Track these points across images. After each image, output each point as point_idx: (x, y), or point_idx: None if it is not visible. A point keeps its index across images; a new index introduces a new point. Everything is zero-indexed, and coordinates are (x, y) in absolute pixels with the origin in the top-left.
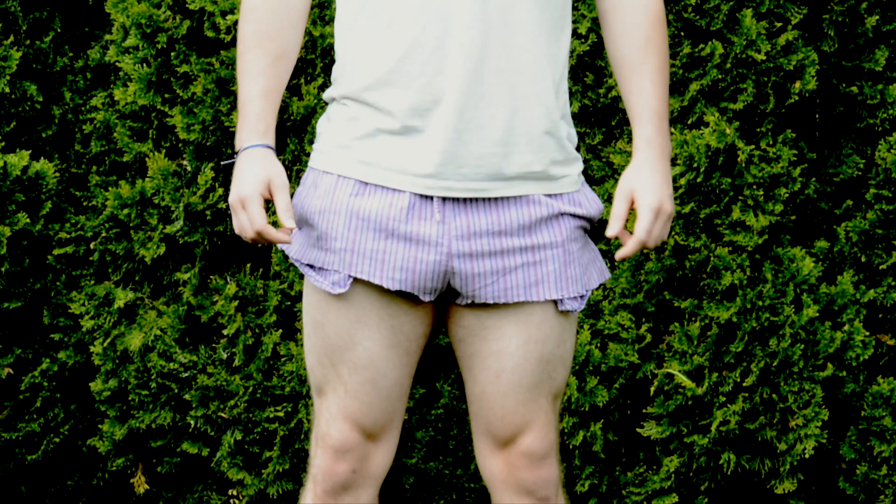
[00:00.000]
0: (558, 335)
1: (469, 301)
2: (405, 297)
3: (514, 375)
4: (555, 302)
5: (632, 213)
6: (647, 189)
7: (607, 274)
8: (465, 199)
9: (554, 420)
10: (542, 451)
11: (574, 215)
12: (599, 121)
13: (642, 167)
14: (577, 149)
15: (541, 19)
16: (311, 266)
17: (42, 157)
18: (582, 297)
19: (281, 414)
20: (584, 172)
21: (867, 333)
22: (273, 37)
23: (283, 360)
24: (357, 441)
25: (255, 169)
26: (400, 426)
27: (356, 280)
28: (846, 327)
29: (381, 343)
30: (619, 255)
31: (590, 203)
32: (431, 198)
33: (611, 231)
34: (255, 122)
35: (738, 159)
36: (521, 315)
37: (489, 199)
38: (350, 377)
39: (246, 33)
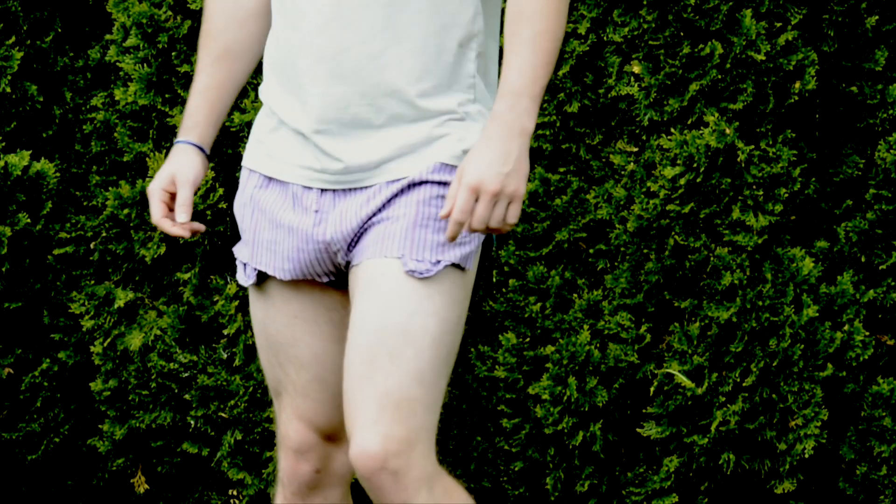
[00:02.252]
0: (409, 301)
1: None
2: (339, 288)
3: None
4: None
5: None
6: (471, 165)
7: (471, 265)
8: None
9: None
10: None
11: (437, 182)
12: (599, 121)
13: (478, 143)
14: (579, 149)
15: None
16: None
17: (43, 157)
18: (436, 262)
19: None
20: (584, 172)
21: (867, 333)
22: (215, 36)
23: None
24: (314, 441)
25: (165, 164)
26: None
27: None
28: (846, 327)
29: (322, 338)
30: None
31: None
32: (312, 188)
33: (442, 212)
34: (185, 119)
35: (738, 159)
36: (369, 272)
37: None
38: (298, 375)
39: (200, 32)
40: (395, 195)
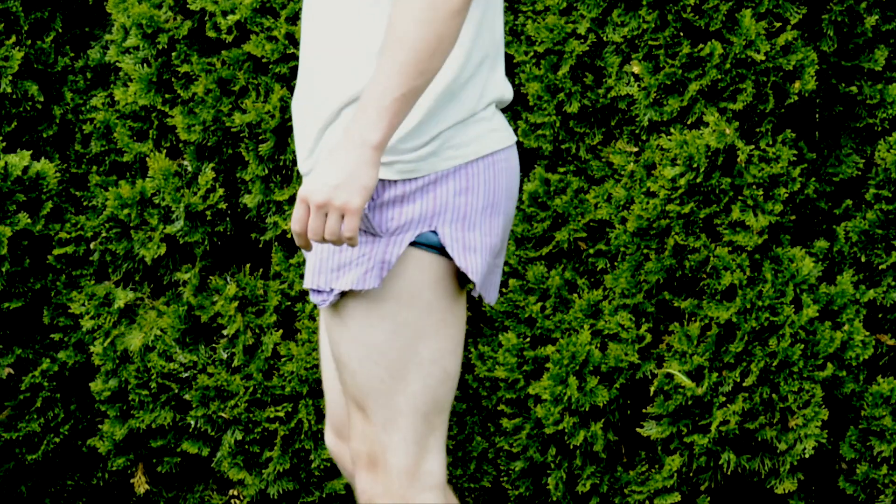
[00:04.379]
0: (333, 332)
1: None
2: None
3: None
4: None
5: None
6: (310, 178)
7: (372, 283)
8: None
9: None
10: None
11: None
12: (599, 121)
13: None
14: (579, 149)
15: None
16: None
17: (43, 157)
18: (331, 291)
19: (281, 414)
20: (584, 172)
21: (867, 333)
22: None
23: (283, 360)
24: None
25: None
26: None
27: None
28: (846, 327)
29: None
30: None
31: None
32: None
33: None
34: None
35: (738, 159)
36: None
37: None
38: None
39: None
40: None
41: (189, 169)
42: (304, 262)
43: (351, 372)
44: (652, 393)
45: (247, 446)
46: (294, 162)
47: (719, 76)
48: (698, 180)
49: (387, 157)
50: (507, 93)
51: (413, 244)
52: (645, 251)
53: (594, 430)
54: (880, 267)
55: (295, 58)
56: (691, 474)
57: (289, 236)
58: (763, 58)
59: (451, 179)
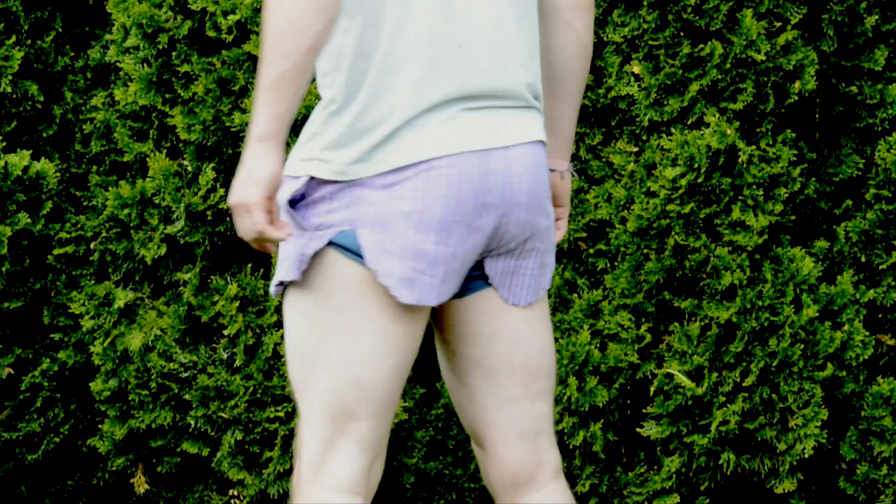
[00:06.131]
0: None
1: None
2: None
3: None
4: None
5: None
6: None
7: (292, 276)
8: None
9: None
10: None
11: None
12: (599, 121)
13: None
14: (579, 149)
15: None
16: None
17: (43, 157)
18: (278, 283)
19: (281, 414)
20: (584, 172)
21: (867, 333)
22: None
23: (283, 360)
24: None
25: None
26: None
27: None
28: (846, 327)
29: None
30: None
31: None
32: None
33: None
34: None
35: (739, 159)
36: None
37: None
38: None
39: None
40: None
41: (189, 169)
42: None
43: (285, 361)
44: (652, 393)
45: (247, 446)
46: None
47: (720, 76)
48: (699, 180)
49: (324, 154)
50: (464, 86)
51: (334, 245)
52: (645, 251)
53: (593, 431)
54: (880, 267)
55: None
56: (691, 474)
57: None
58: (763, 58)
59: (377, 183)
